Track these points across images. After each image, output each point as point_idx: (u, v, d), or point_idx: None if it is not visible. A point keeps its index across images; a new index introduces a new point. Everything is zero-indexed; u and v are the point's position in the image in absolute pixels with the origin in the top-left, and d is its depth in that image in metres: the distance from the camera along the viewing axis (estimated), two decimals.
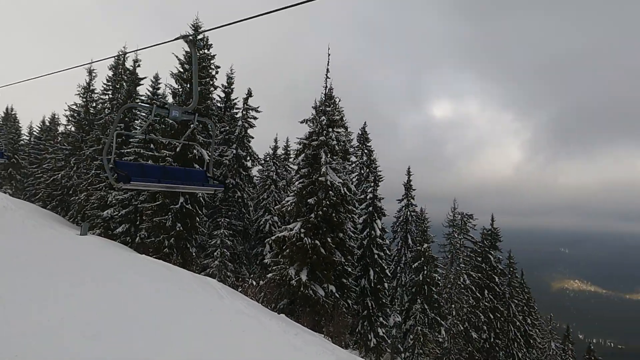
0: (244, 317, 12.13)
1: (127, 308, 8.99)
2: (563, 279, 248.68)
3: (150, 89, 28.61)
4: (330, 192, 18.42)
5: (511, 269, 40.78)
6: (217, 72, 24.83)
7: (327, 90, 20.15)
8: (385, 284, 22.28)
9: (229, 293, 14.81)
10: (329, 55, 20.18)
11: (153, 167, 6.19)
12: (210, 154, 7.16)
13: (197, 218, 22.01)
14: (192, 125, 5.96)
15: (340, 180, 18.74)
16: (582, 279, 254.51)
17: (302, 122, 20.24)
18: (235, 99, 27.76)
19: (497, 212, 37.25)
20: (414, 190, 32.53)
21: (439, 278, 29.13)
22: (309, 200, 18.23)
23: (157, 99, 27.71)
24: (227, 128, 26.90)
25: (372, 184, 23.56)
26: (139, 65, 30.15)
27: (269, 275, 18.13)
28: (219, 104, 28.12)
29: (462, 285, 32.75)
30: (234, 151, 25.70)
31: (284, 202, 19.36)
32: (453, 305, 31.56)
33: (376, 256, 21.96)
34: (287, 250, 17.89)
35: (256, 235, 27.47)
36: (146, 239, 22.82)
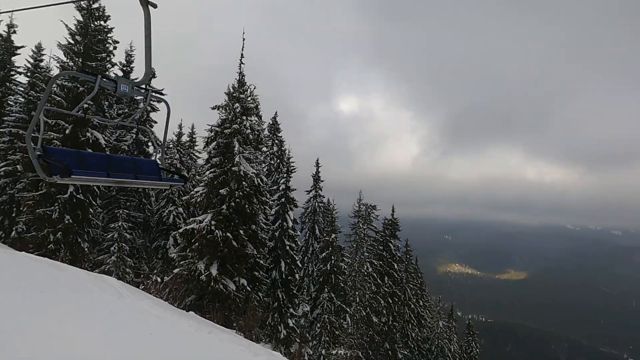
0: (151, 318, 11.13)
1: (3, 317, 7.56)
2: (447, 263, 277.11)
3: (31, 61, 24.87)
4: (244, 182, 17.77)
5: (408, 256, 43.97)
6: (115, 48, 22.30)
7: (240, 77, 19.30)
8: (297, 275, 22.32)
9: (130, 292, 13.50)
10: (243, 40, 19.36)
11: (94, 156, 4.87)
12: (162, 142, 6.06)
13: (91, 209, 19.66)
14: (142, 104, 4.92)
15: (254, 171, 18.18)
16: (461, 263, 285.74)
17: (213, 109, 19.15)
18: (135, 79, 25.25)
19: (396, 203, 39.57)
20: (322, 181, 32.97)
21: (345, 267, 30.13)
22: (220, 191, 17.36)
23: (40, 73, 24.17)
24: (126, 111, 24.41)
25: (285, 175, 23.31)
26: (14, 32, 25.94)
27: (176, 270, 16.92)
28: None
29: (366, 273, 34.37)
30: (134, 136, 23.46)
31: (192, 192, 18.18)
32: (357, 292, 32.94)
33: (288, 247, 21.83)
34: (197, 244, 16.86)
35: (157, 227, 25.55)
36: (25, 233, 19.84)
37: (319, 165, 31.32)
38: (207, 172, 17.68)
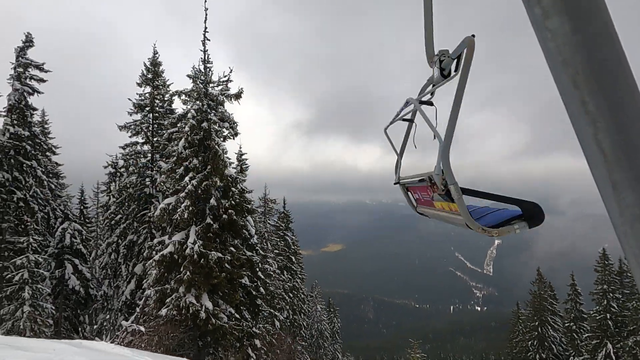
0: None
1: None
2: None
3: None
4: (233, 188, 14.44)
5: (296, 247, 43.83)
6: None
7: (205, 56, 15.35)
8: (261, 289, 19.47)
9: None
10: (206, 9, 15.35)
11: None
12: None
13: None
14: None
15: (237, 173, 14.99)
16: None
17: (174, 95, 14.86)
18: None
19: None
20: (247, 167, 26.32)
21: (271, 269, 27.97)
22: (210, 202, 13.64)
23: None
24: None
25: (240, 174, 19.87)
26: None
27: (163, 311, 12.60)
28: None
29: (274, 271, 32.68)
30: (10, 129, 16.30)
31: (163, 205, 13.72)
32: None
33: (253, 260, 18.80)
34: (185, 272, 12.92)
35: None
36: None
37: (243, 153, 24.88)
38: (187, 178, 13.59)
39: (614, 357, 35.55)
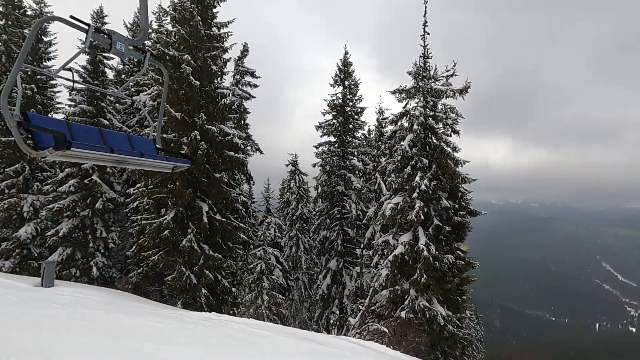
0: None
1: None
2: None
3: None
4: (461, 188, 13.69)
5: None
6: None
7: (425, 51, 14.84)
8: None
9: None
10: (425, 3, 14.78)
11: (85, 129, 3.58)
12: (158, 116, 4.29)
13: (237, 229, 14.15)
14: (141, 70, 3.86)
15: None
16: None
17: (394, 93, 14.62)
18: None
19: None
20: None
21: None
22: (442, 202, 13.08)
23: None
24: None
25: None
26: None
27: (402, 313, 12.46)
28: None
29: None
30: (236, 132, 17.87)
31: (392, 205, 13.58)
32: None
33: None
34: (421, 274, 12.52)
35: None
36: (130, 267, 13.95)
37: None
38: (417, 178, 13.22)
39: None
